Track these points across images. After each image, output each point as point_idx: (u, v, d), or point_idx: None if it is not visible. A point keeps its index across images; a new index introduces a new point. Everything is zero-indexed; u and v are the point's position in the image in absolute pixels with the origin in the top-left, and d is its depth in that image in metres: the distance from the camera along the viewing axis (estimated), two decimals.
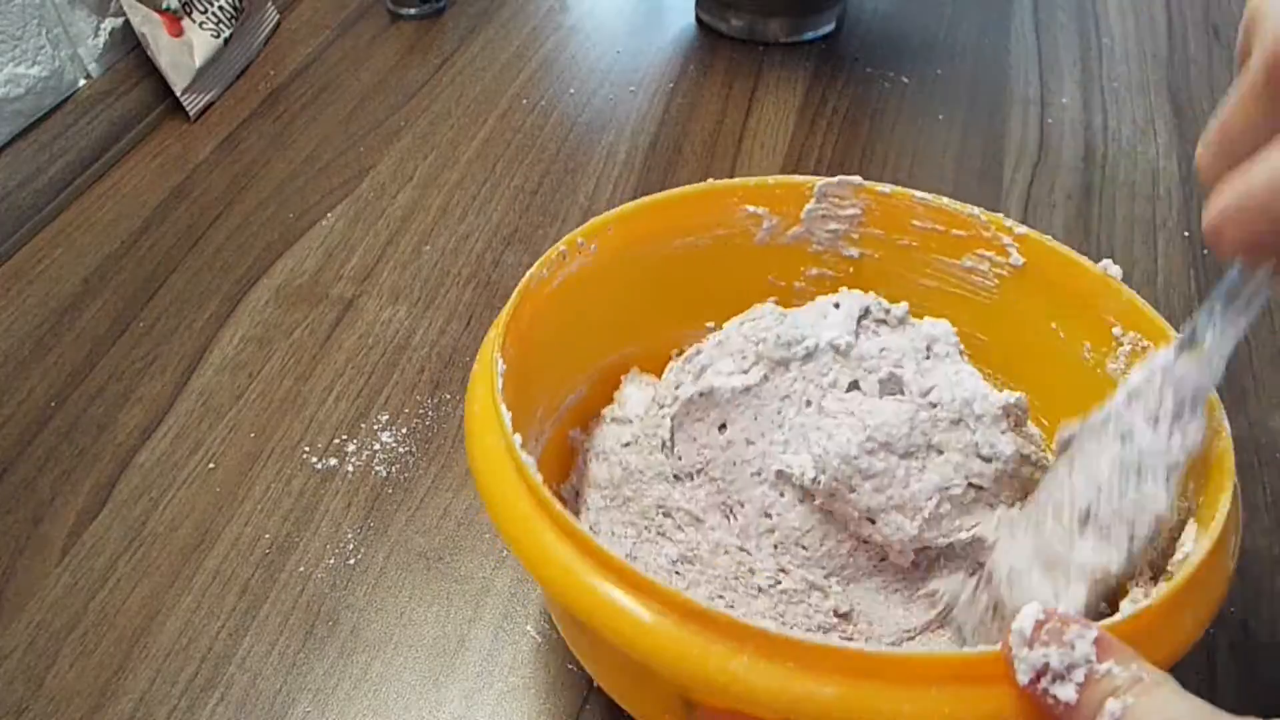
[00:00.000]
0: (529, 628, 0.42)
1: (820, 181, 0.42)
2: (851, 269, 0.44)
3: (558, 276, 0.39)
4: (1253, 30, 0.26)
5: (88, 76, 0.71)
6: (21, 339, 0.55)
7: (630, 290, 0.42)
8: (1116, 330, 0.37)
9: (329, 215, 0.63)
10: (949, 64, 0.75)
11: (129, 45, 0.72)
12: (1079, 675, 0.24)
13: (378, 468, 0.48)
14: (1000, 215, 0.40)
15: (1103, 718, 0.23)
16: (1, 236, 0.61)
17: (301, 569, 0.44)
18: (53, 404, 0.52)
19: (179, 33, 0.69)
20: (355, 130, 0.70)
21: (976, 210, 0.40)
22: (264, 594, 0.43)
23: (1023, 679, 0.24)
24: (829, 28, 0.77)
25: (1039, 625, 0.25)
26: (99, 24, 0.71)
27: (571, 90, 0.73)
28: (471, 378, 0.35)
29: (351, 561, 0.45)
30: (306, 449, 0.49)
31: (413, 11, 0.80)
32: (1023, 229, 0.39)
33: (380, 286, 0.58)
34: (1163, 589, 0.27)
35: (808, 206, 0.43)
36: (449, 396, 0.52)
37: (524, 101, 0.72)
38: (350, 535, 0.46)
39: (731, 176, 0.65)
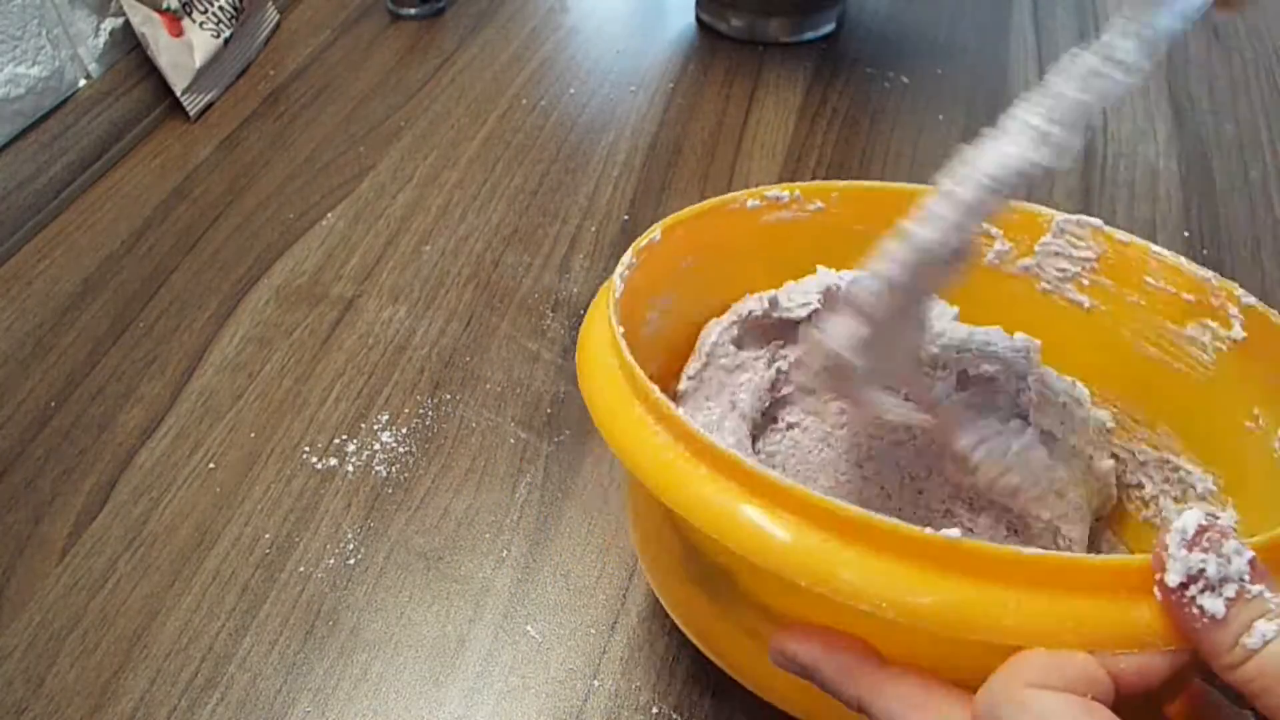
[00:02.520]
0: (529, 628, 0.42)
1: (1060, 216, 0.40)
2: (1079, 320, 0.41)
3: (767, 216, 0.41)
4: None
5: (88, 76, 0.71)
6: (21, 339, 0.55)
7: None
8: None
9: (329, 215, 0.63)
10: (949, 64, 0.75)
11: (129, 45, 0.72)
12: (1230, 590, 0.23)
13: (378, 468, 0.48)
14: (1233, 284, 0.37)
15: (1250, 637, 0.23)
16: (1, 236, 0.61)
17: (301, 569, 0.44)
18: (53, 404, 0.52)
19: (179, 33, 0.69)
20: (355, 130, 0.70)
21: (1210, 274, 0.37)
22: (264, 594, 0.43)
23: (1174, 579, 0.24)
24: (829, 28, 0.77)
25: (1201, 530, 0.24)
26: (99, 24, 0.71)
27: (571, 90, 0.73)
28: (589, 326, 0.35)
29: (351, 561, 0.45)
30: (306, 449, 0.49)
31: (413, 11, 0.80)
32: (1250, 299, 0.36)
33: (380, 286, 0.58)
34: None
35: (1043, 239, 0.41)
36: (449, 396, 0.52)
37: (524, 101, 0.72)
38: (350, 535, 0.46)
39: (732, 176, 0.65)
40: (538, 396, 0.51)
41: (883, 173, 0.65)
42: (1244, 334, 0.37)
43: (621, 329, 0.32)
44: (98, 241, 0.61)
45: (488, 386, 0.52)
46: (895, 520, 0.25)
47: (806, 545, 0.25)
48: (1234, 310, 0.37)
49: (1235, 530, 0.24)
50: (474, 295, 0.57)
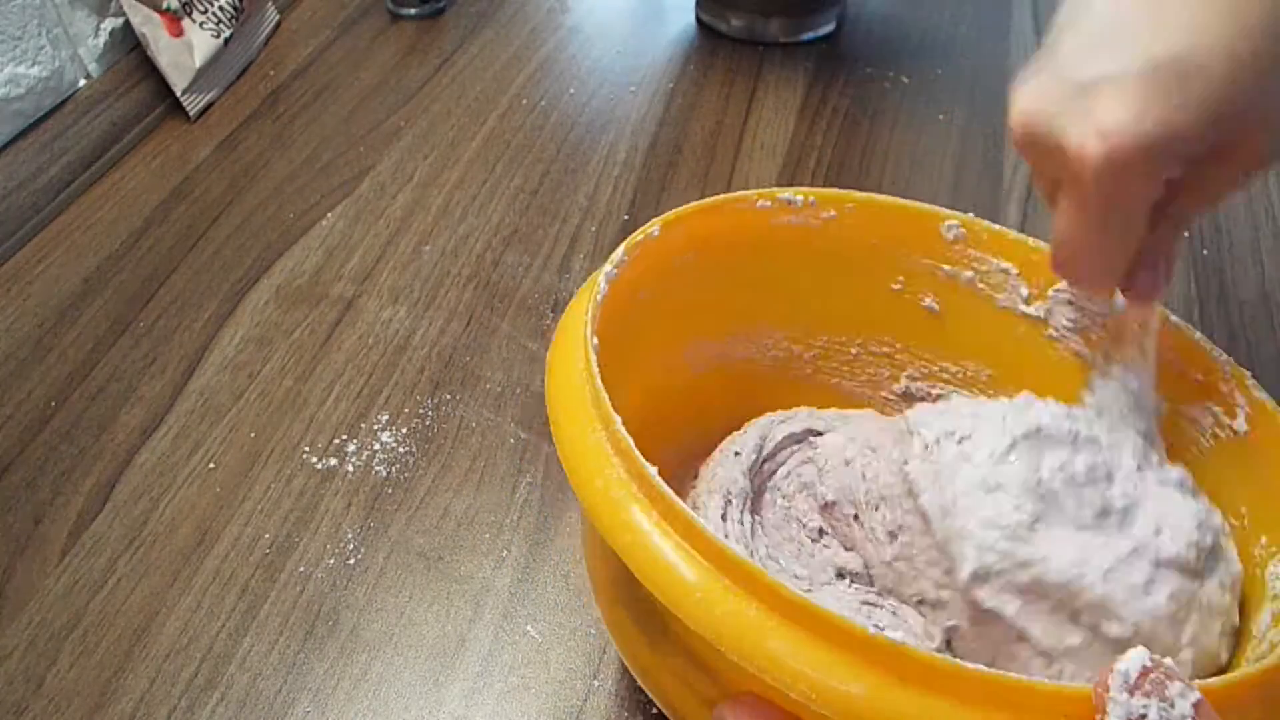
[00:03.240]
0: (529, 628, 0.42)
1: None
2: (1082, 373, 0.39)
3: (777, 218, 0.40)
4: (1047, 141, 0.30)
5: (88, 76, 0.71)
6: (21, 339, 0.55)
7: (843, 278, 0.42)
8: None
9: (329, 215, 0.63)
10: (949, 64, 0.75)
11: (129, 45, 0.72)
12: None
13: (378, 468, 0.48)
14: (1245, 372, 0.35)
15: None
16: (1, 236, 0.61)
17: (301, 569, 0.44)
18: (53, 404, 0.52)
19: (179, 33, 0.69)
20: (355, 130, 0.70)
21: (1224, 357, 0.35)
22: (264, 594, 0.43)
23: None
24: (829, 28, 0.77)
25: (1145, 672, 0.23)
26: (99, 24, 0.71)
27: (571, 90, 0.73)
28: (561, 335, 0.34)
29: (351, 561, 0.45)
30: (306, 449, 0.49)
31: (413, 11, 0.80)
32: (1261, 394, 0.34)
33: (380, 286, 0.58)
34: (1267, 660, 0.26)
35: (1057, 285, 0.39)
36: (449, 396, 0.52)
37: (524, 101, 0.72)
38: (350, 535, 0.46)
39: (731, 176, 0.65)
40: (538, 396, 0.51)
41: (883, 172, 0.65)
42: (1246, 427, 0.35)
43: (595, 340, 0.31)
44: (98, 241, 0.61)
45: (488, 386, 0.52)
46: (832, 610, 0.24)
47: (736, 614, 0.25)
48: (1241, 400, 0.35)
49: (1179, 672, 0.24)
50: (474, 295, 0.57)
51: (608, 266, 0.34)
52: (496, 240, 0.61)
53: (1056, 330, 0.39)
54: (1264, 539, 0.33)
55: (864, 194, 0.40)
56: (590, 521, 0.28)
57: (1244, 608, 0.34)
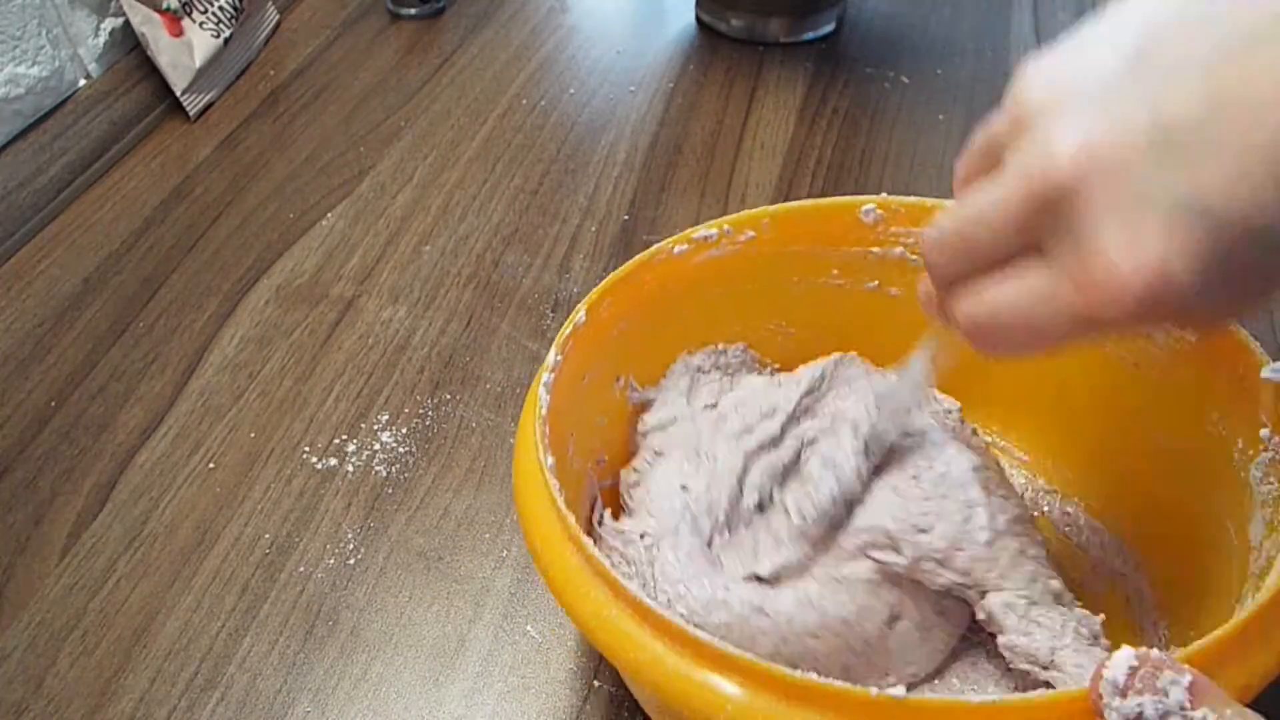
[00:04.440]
0: (529, 628, 0.42)
1: None
2: None
3: (698, 258, 0.40)
4: (1017, 132, 0.26)
5: (88, 76, 0.71)
6: (21, 339, 0.55)
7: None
8: (1264, 433, 0.33)
9: (329, 215, 0.63)
10: (949, 64, 0.75)
11: (129, 45, 0.72)
12: None
13: (378, 468, 0.48)
14: None
15: None
16: (1, 236, 0.61)
17: (301, 569, 0.44)
18: (53, 404, 0.52)
19: (179, 33, 0.69)
20: (355, 130, 0.70)
21: None
22: (264, 594, 0.43)
23: None
24: (829, 28, 0.77)
25: (1133, 672, 0.24)
26: (99, 24, 0.71)
27: (571, 90, 0.73)
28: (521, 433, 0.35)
29: (351, 561, 0.45)
30: (306, 449, 0.49)
31: (413, 11, 0.80)
32: None
33: (380, 286, 0.58)
34: (1247, 608, 0.27)
35: None
36: (449, 396, 0.52)
37: (524, 101, 0.72)
38: (350, 535, 0.46)
39: (731, 176, 0.65)
40: None
41: (883, 172, 0.65)
42: (1196, 334, 0.36)
43: (552, 460, 0.32)
44: (98, 241, 0.61)
45: (488, 386, 0.52)
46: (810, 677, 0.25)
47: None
48: None
49: (1169, 656, 0.24)
50: (474, 295, 0.57)
51: (545, 374, 0.35)
52: (496, 240, 0.61)
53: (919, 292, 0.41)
54: (1240, 441, 0.34)
55: (778, 205, 0.42)
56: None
57: (1235, 516, 0.34)
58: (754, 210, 0.41)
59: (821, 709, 0.25)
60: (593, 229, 0.61)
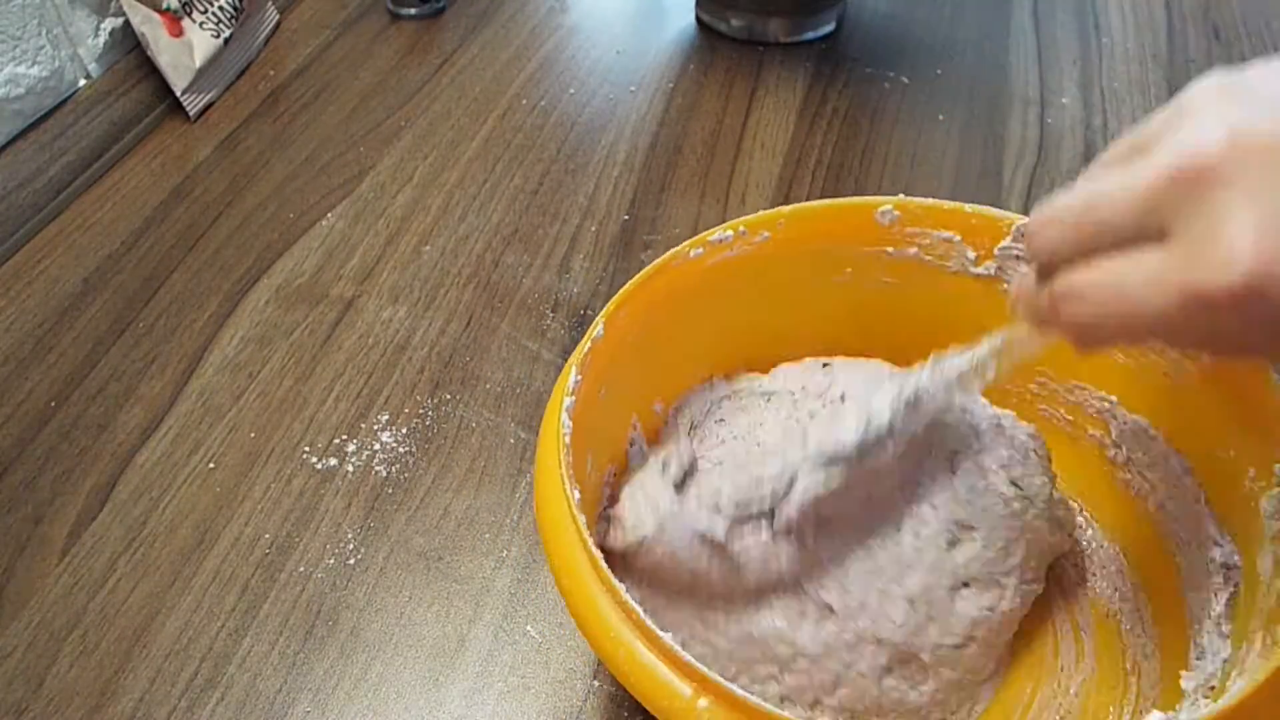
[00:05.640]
0: (529, 628, 0.42)
1: (1020, 220, 0.40)
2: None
3: (712, 259, 0.40)
4: (1175, 124, 0.25)
5: (88, 76, 0.71)
6: (21, 339, 0.55)
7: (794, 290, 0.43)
8: (1279, 468, 0.33)
9: (329, 215, 0.63)
10: (949, 64, 0.75)
11: (129, 45, 0.72)
12: None
13: (378, 468, 0.48)
14: None
15: None
16: (1, 236, 0.61)
17: (301, 569, 0.44)
18: (53, 404, 0.52)
19: (179, 33, 0.69)
20: (355, 130, 0.70)
21: None
22: (264, 594, 0.43)
23: None
24: (829, 28, 0.77)
25: None
26: (99, 24, 0.71)
27: (571, 90, 0.73)
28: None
29: (351, 561, 0.45)
30: (306, 449, 0.49)
31: (413, 11, 0.80)
32: None
33: (380, 286, 0.58)
34: (1228, 698, 0.27)
35: (1002, 243, 0.40)
36: (449, 396, 0.52)
37: (524, 101, 0.72)
38: (350, 535, 0.46)
39: (731, 176, 0.65)
40: (538, 396, 0.51)
41: (883, 172, 0.65)
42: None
43: (578, 493, 0.32)
44: (98, 241, 0.61)
45: (488, 386, 0.52)
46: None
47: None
48: None
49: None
50: (474, 295, 0.57)
51: (566, 399, 0.34)
52: (496, 240, 0.61)
53: (1010, 285, 0.41)
54: (1253, 470, 0.34)
55: (793, 206, 0.42)
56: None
57: (1242, 546, 0.34)
58: (769, 210, 0.41)
59: None
60: (593, 229, 0.61)
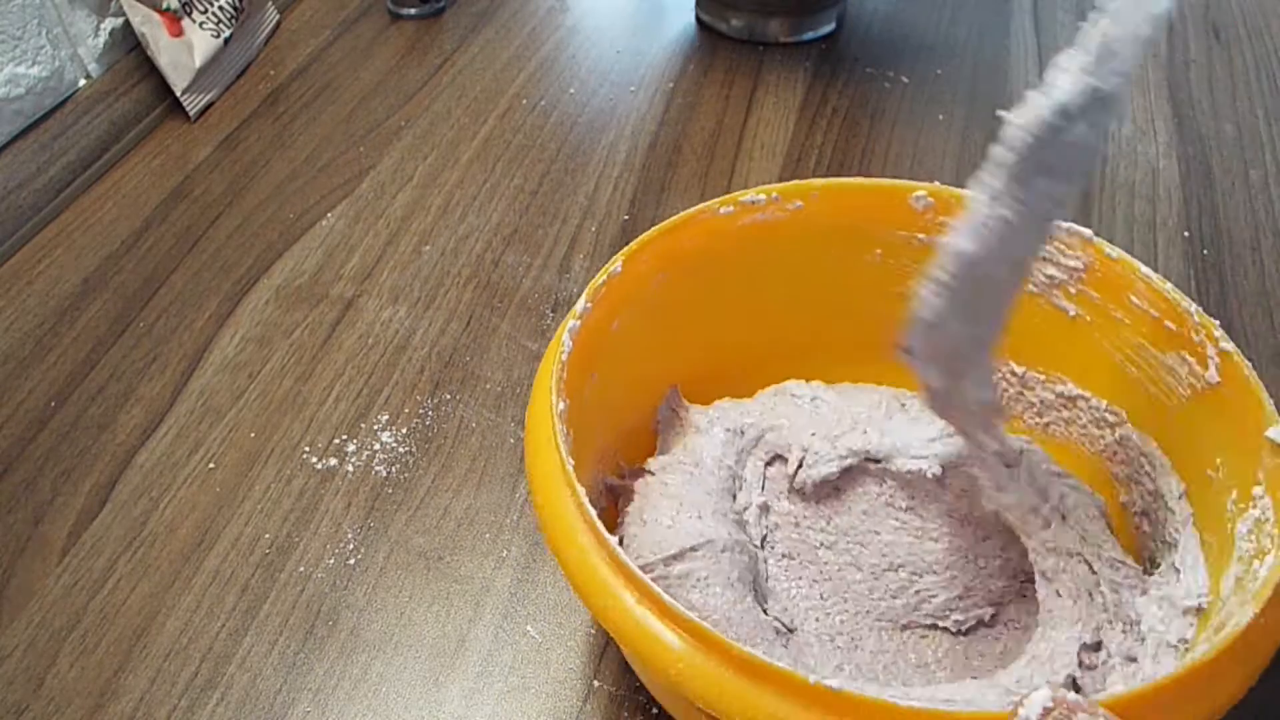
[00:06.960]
0: (529, 628, 0.42)
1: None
2: (1064, 326, 0.40)
3: (743, 220, 0.40)
4: None
5: (88, 76, 0.71)
6: (21, 339, 0.55)
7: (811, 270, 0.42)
8: (1257, 491, 0.33)
9: (329, 215, 0.63)
10: (949, 64, 0.75)
11: (129, 45, 0.72)
12: None
13: (378, 468, 0.48)
14: (1214, 322, 0.35)
15: None
16: (1, 236, 0.61)
17: (301, 569, 0.44)
18: (53, 404, 0.52)
19: (179, 33, 0.69)
20: (355, 130, 0.70)
21: (1194, 308, 0.36)
22: (264, 594, 0.43)
23: None
24: (829, 28, 0.77)
25: (1046, 712, 0.24)
26: (99, 24, 0.71)
27: (571, 90, 0.73)
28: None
29: (351, 561, 0.45)
30: (306, 449, 0.49)
31: (413, 11, 0.80)
32: (1229, 345, 0.35)
33: (380, 286, 0.58)
34: (1188, 659, 0.26)
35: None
36: (449, 396, 0.52)
37: (524, 101, 0.72)
38: (350, 535, 0.46)
39: (731, 176, 0.65)
40: None
41: (883, 172, 0.65)
42: (1218, 379, 0.35)
43: (563, 404, 0.32)
44: (98, 241, 0.61)
45: (488, 386, 0.52)
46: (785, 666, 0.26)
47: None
48: (1212, 352, 0.35)
49: (1086, 700, 0.24)
50: (474, 295, 0.57)
51: (572, 321, 0.34)
52: (496, 240, 0.61)
53: (1036, 286, 0.40)
54: (1235, 493, 0.34)
55: (825, 180, 0.41)
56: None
57: (1212, 565, 0.34)
58: (803, 181, 0.41)
59: (760, 683, 0.26)
60: (593, 229, 0.61)
